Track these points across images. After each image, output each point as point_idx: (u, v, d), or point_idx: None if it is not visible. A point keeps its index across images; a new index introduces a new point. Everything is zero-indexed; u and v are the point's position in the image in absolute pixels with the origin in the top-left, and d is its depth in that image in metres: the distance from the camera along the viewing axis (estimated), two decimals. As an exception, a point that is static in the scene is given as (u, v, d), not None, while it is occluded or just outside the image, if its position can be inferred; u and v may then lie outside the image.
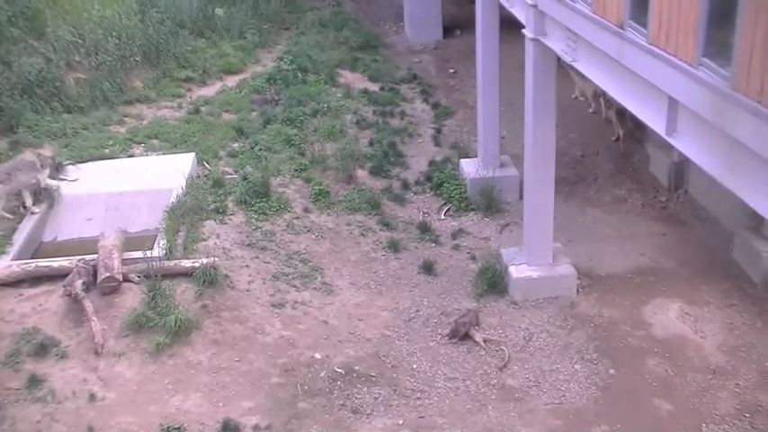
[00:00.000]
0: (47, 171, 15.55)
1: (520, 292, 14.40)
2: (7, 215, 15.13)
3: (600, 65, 10.73)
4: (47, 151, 16.01)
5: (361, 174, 18.20)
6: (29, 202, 15.23)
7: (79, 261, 13.28)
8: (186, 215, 15.04)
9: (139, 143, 18.16)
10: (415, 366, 12.94)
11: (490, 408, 12.08)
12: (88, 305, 12.60)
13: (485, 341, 13.31)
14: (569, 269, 14.51)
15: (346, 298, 14.50)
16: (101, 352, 12.26)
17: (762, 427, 11.44)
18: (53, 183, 15.67)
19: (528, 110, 13.75)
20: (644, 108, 9.46)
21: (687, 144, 8.55)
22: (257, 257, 14.73)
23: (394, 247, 16.00)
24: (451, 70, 25.08)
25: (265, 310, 13.64)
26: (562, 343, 13.32)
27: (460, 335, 13.38)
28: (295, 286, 14.40)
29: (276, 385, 12.23)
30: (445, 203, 17.82)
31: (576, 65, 11.61)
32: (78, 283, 12.82)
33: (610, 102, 18.72)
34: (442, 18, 27.38)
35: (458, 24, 27.58)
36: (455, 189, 17.98)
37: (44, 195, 15.44)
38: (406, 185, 18.32)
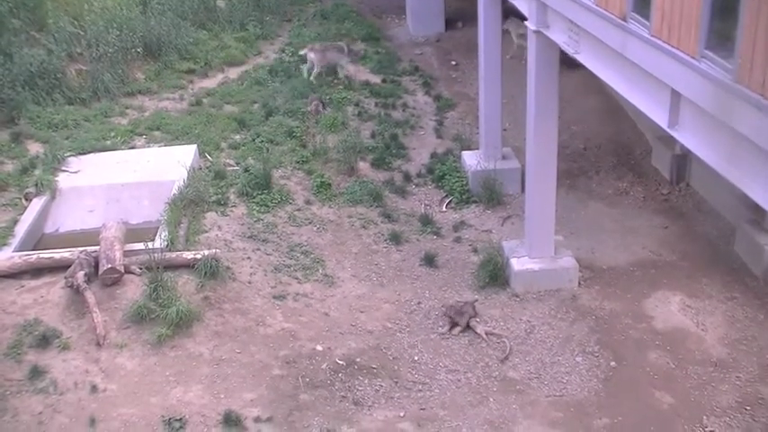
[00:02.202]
0: (347, 59, 22.06)
1: (521, 284, 14.40)
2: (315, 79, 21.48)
3: (603, 57, 10.71)
4: (356, 46, 23.42)
5: (363, 166, 18.19)
6: (342, 73, 21.94)
7: (81, 252, 13.30)
8: (188, 207, 15.05)
9: (141, 135, 18.18)
10: (416, 358, 12.95)
11: (491, 400, 12.09)
12: (90, 297, 12.61)
13: (486, 333, 13.32)
14: (571, 262, 14.50)
15: (348, 290, 14.51)
16: (102, 343, 12.28)
17: (763, 419, 11.45)
18: (349, 68, 22.30)
19: (530, 102, 13.73)
20: (646, 100, 9.45)
21: (689, 137, 8.53)
22: (259, 249, 14.75)
23: (395, 239, 16.00)
24: (453, 62, 25.02)
25: (267, 302, 13.65)
26: (563, 335, 13.32)
27: (460, 324, 13.38)
28: (296, 278, 14.42)
29: (278, 377, 12.24)
30: (447, 196, 17.81)
31: (578, 57, 11.58)
32: (80, 274, 12.84)
33: None
34: (443, 10, 27.31)
35: (460, 16, 27.50)
36: (457, 181, 17.96)
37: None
38: (407, 178, 18.30)
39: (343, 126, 19.44)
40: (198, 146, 17.39)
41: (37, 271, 13.46)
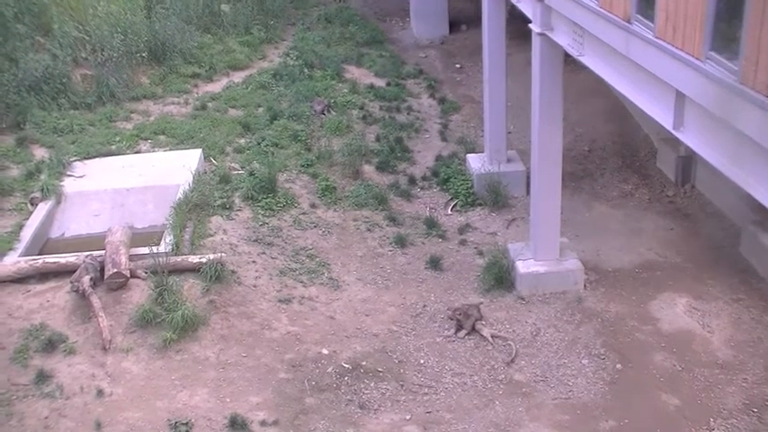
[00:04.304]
0: None
1: (527, 286, 14.39)
2: None
3: (607, 59, 10.71)
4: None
5: (368, 169, 18.20)
6: None
7: (86, 257, 13.32)
8: (193, 211, 15.07)
9: (146, 139, 18.21)
10: (422, 362, 12.95)
11: (497, 403, 12.08)
12: (95, 301, 12.63)
13: (492, 336, 13.31)
14: (576, 264, 14.49)
15: (353, 293, 14.51)
16: (108, 348, 12.30)
17: (770, 421, 11.44)
18: None
19: (534, 105, 13.73)
20: (651, 102, 9.44)
21: (694, 138, 8.52)
22: (264, 253, 14.75)
23: (401, 242, 16.00)
24: (458, 65, 25.05)
25: (272, 305, 13.66)
26: (569, 338, 13.30)
27: (466, 326, 13.37)
28: (302, 282, 14.42)
29: (283, 381, 12.25)
30: (452, 199, 17.82)
31: (582, 59, 11.58)
32: (86, 278, 12.85)
33: None
34: (447, 13, 27.34)
35: (464, 19, 27.55)
36: (462, 184, 17.97)
37: None
38: (412, 181, 18.31)
39: (347, 129, 19.47)
40: (203, 150, 17.42)
41: (43, 275, 13.49)
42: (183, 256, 13.76)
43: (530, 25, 13.41)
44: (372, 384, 12.38)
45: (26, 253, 14.09)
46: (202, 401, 11.72)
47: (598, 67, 11.12)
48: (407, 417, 11.81)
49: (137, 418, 11.40)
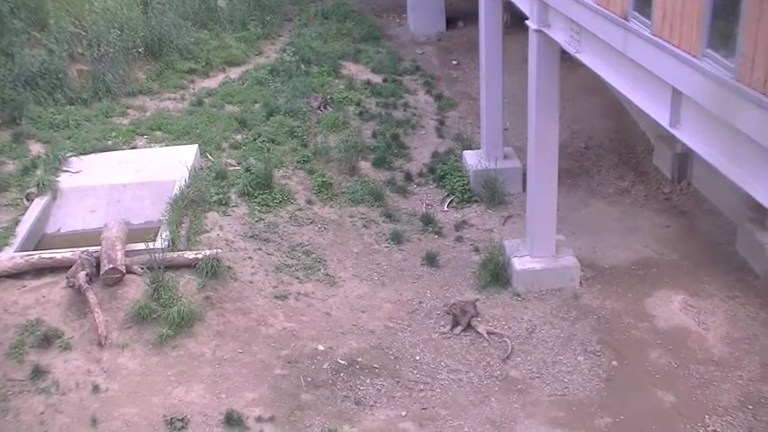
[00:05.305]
0: None
1: (523, 283, 14.40)
2: None
3: (604, 56, 10.70)
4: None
5: (364, 165, 18.19)
6: None
7: (82, 253, 13.29)
8: (189, 207, 15.05)
9: (142, 135, 18.18)
10: (417, 358, 12.95)
11: (493, 399, 12.09)
12: (91, 297, 12.61)
13: (488, 333, 13.32)
14: (572, 261, 14.50)
15: (349, 290, 14.51)
16: (104, 343, 12.28)
17: (765, 418, 11.44)
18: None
19: (531, 102, 13.72)
20: (648, 99, 9.44)
21: (691, 135, 8.52)
22: (260, 249, 14.75)
23: (397, 238, 16.00)
24: (454, 62, 25.04)
25: (268, 301, 13.65)
26: (565, 335, 13.32)
27: (461, 323, 13.38)
28: (298, 278, 14.42)
29: (279, 377, 12.24)
30: (448, 195, 17.81)
31: (579, 56, 11.57)
32: (81, 274, 12.84)
33: None
34: (444, 9, 27.33)
35: (461, 16, 27.54)
36: (458, 181, 17.97)
37: None
38: (408, 177, 18.30)
39: (344, 126, 19.46)
40: (199, 146, 17.39)
41: (38, 271, 13.46)
42: (179, 252, 13.74)
43: (527, 22, 13.40)
44: (368, 381, 12.38)
45: (22, 248, 14.07)
46: (198, 397, 11.72)
47: (595, 64, 11.12)
48: (403, 413, 11.82)
49: (132, 414, 11.39)
